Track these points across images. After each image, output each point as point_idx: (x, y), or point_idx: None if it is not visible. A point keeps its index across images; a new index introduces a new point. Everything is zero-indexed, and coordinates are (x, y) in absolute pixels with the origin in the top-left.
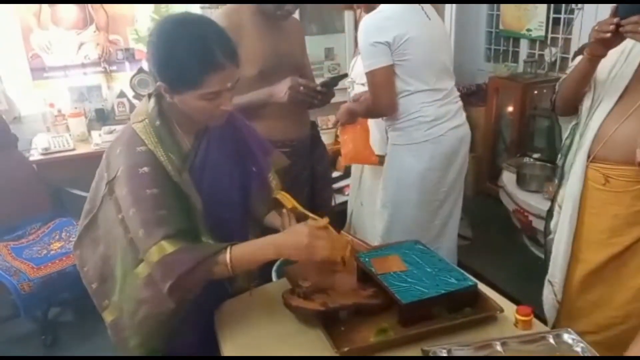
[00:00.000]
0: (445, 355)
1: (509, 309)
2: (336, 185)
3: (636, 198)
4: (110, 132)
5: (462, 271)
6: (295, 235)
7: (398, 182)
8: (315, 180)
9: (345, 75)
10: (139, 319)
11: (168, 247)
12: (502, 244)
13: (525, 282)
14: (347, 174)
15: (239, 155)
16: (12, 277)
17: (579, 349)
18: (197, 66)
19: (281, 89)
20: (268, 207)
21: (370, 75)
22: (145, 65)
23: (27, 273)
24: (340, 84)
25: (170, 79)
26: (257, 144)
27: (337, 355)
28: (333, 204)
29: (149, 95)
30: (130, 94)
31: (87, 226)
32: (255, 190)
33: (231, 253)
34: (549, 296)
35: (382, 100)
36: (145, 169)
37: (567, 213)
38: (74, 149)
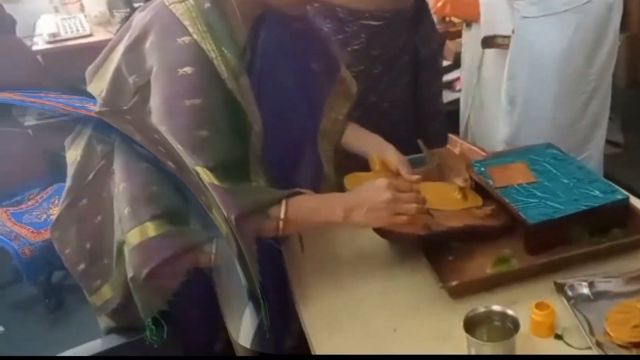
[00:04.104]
0: (585, 289)
1: None
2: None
3: None
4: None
5: (610, 182)
6: (371, 192)
7: (531, 67)
8: (419, 69)
9: None
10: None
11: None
12: None
13: None
14: (457, 62)
15: (302, 60)
16: (13, 242)
17: None
18: None
19: None
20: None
21: None
22: None
23: (28, 237)
24: None
25: None
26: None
27: (443, 289)
28: None
29: None
30: None
31: (70, 204)
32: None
33: (287, 204)
34: None
35: None
36: (187, 69)
37: None
38: (90, 35)
